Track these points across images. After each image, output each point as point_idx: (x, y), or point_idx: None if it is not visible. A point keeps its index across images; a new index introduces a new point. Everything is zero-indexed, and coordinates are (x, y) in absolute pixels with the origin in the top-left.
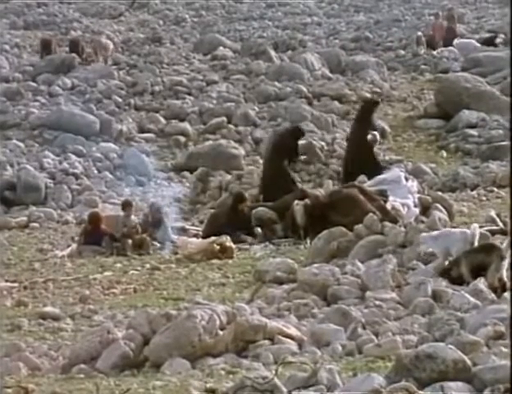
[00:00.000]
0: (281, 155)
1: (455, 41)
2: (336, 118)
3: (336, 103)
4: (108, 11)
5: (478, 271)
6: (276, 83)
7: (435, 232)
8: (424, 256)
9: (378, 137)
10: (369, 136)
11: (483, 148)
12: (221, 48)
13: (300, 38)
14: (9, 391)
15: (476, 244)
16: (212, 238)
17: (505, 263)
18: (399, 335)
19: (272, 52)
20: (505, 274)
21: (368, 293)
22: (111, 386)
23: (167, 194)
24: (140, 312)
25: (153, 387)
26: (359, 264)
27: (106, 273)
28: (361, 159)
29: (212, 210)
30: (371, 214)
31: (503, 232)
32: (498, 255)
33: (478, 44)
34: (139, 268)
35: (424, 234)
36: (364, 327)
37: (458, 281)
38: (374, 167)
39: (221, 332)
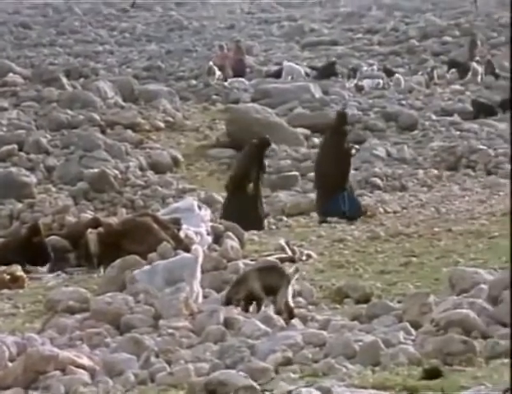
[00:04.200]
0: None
1: (284, 63)
2: (129, 147)
3: (130, 131)
4: None
5: (268, 291)
6: (69, 110)
7: (147, 267)
8: (140, 293)
9: (358, 148)
10: (353, 151)
11: (273, 178)
12: (10, 74)
13: (93, 66)
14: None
15: (200, 261)
16: (2, 267)
17: (291, 290)
18: (191, 363)
19: (64, 80)
20: (291, 300)
21: (161, 321)
22: None
23: None
24: None
25: None
26: (153, 292)
27: None
28: (341, 170)
29: (3, 239)
30: (164, 242)
31: (291, 260)
32: (287, 280)
33: (304, 70)
34: None
35: (136, 271)
36: (157, 356)
37: (248, 298)
38: (346, 179)
39: (10, 364)
